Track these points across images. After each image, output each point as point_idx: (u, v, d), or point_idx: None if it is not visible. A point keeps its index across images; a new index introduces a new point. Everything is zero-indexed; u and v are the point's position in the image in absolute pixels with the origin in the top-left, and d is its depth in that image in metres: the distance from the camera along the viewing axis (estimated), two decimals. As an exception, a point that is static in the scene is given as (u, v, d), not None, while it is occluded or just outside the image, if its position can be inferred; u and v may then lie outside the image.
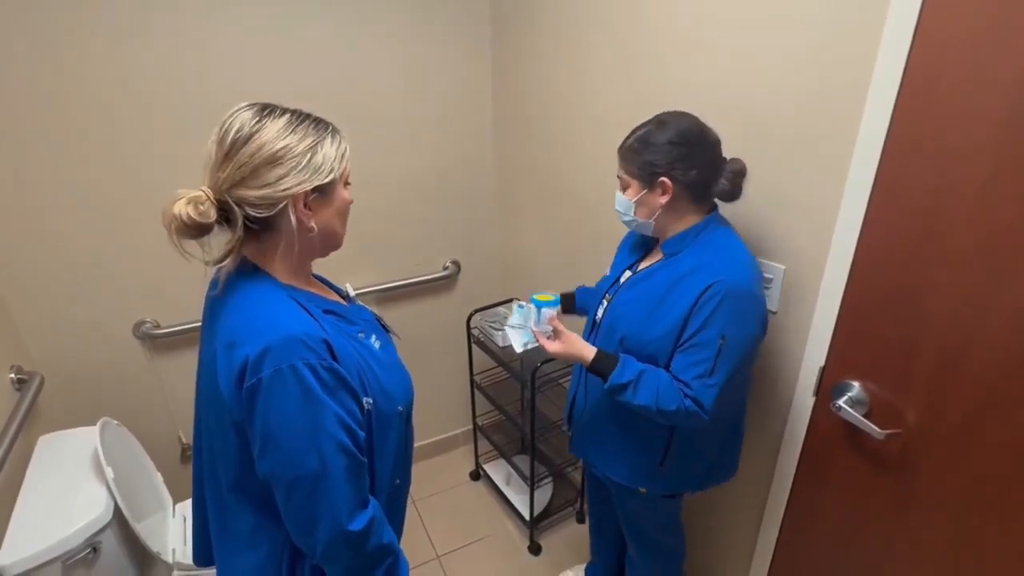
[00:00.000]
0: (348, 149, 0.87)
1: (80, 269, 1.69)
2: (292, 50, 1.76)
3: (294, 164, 0.78)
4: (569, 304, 1.59)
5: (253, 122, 0.77)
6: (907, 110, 0.98)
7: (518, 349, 1.37)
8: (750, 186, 1.25)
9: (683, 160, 1.12)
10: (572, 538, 2.15)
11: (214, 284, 0.88)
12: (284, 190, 0.78)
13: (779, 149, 1.19)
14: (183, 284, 1.69)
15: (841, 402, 1.16)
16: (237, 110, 0.79)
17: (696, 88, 1.34)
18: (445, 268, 2.31)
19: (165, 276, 1.76)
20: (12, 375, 1.53)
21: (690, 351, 1.10)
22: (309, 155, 0.79)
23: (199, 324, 0.91)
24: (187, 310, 1.82)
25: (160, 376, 1.90)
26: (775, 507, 1.43)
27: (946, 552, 1.10)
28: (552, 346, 1.25)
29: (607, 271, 1.38)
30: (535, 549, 2.09)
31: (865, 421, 1.13)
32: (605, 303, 1.29)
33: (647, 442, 1.26)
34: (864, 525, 1.24)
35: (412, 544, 2.12)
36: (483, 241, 2.37)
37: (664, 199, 1.14)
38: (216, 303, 0.85)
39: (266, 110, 0.80)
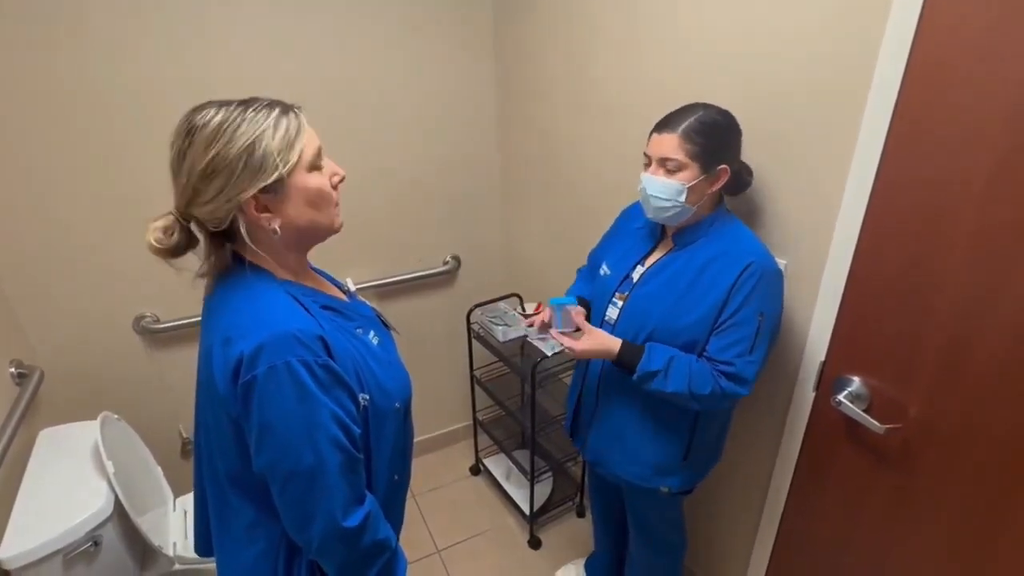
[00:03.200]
0: (303, 129, 0.78)
1: (81, 264, 1.69)
2: (293, 45, 1.75)
3: (228, 173, 0.73)
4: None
5: (184, 135, 0.75)
6: (911, 102, 0.97)
7: (549, 352, 1.30)
8: (753, 180, 1.25)
9: (736, 148, 1.14)
10: (572, 532, 2.15)
11: (208, 288, 0.89)
12: (227, 201, 0.75)
13: (781, 143, 1.19)
14: (184, 279, 1.69)
15: (842, 397, 1.16)
16: (181, 120, 0.76)
17: (700, 79, 1.34)
18: (445, 263, 2.30)
19: (165, 270, 1.72)
20: (12, 369, 1.53)
21: (729, 331, 1.11)
22: (244, 158, 0.73)
23: (199, 319, 0.91)
24: (188, 305, 1.81)
25: (160, 370, 1.90)
26: (775, 500, 1.43)
27: (945, 546, 1.10)
28: (580, 345, 1.19)
29: (606, 271, 1.35)
30: (535, 543, 2.09)
31: (865, 416, 1.13)
32: (619, 302, 1.27)
33: (671, 436, 1.27)
34: (864, 519, 1.24)
35: (412, 539, 2.13)
36: (484, 236, 2.37)
37: (717, 186, 1.14)
38: (214, 299, 0.85)
39: (200, 115, 0.75)
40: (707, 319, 1.13)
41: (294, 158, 0.77)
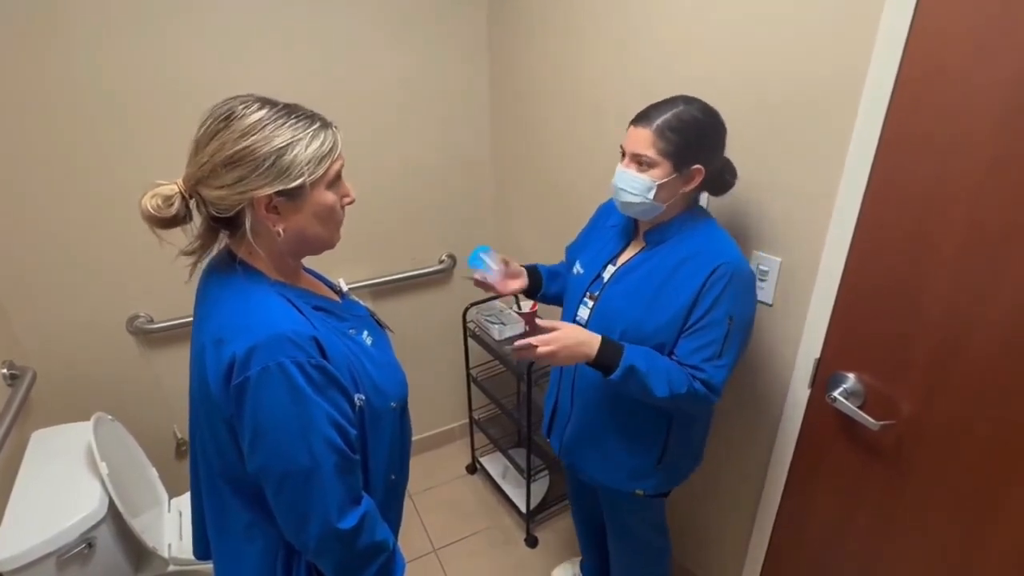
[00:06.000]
0: (337, 148, 0.81)
1: (73, 263, 1.67)
2: (285, 45, 1.74)
3: (253, 167, 0.73)
4: (536, 282, 1.44)
5: (222, 118, 0.75)
6: (904, 102, 0.97)
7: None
8: (746, 178, 1.25)
9: (715, 148, 1.11)
10: (568, 531, 2.15)
11: (200, 279, 0.88)
12: (240, 193, 0.75)
13: (775, 141, 1.19)
14: (177, 278, 1.68)
15: (836, 393, 1.17)
16: (220, 103, 0.77)
17: (692, 80, 1.34)
18: (441, 262, 2.30)
19: (159, 270, 1.74)
20: (4, 370, 1.52)
21: (698, 334, 1.08)
22: (274, 158, 0.74)
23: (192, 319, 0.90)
24: (181, 305, 1.80)
25: (155, 371, 1.89)
26: (771, 496, 1.43)
27: (938, 541, 1.11)
28: (554, 345, 1.05)
29: (579, 269, 1.31)
30: (532, 542, 2.10)
31: (860, 412, 1.13)
32: (590, 302, 1.24)
33: (645, 440, 1.25)
34: (859, 514, 1.24)
35: (409, 538, 2.12)
36: (479, 234, 2.36)
37: (691, 187, 1.10)
38: (205, 299, 0.85)
39: (244, 104, 0.75)
40: (676, 321, 1.10)
41: (320, 172, 0.79)
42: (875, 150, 1.02)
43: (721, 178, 1.16)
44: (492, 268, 1.36)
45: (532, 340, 1.07)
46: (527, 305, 2.06)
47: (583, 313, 1.25)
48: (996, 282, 0.92)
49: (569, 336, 1.08)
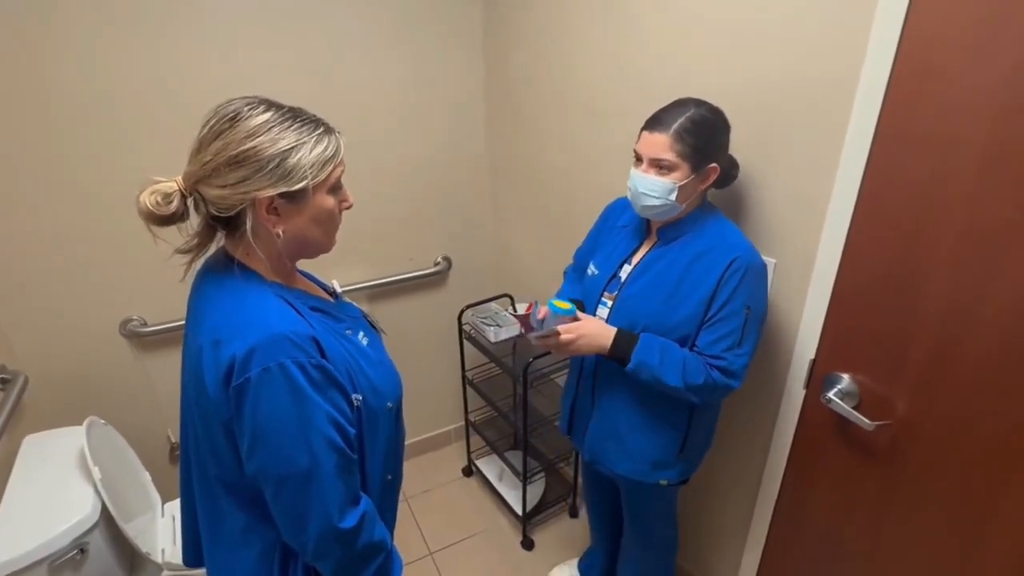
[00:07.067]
0: (339, 153, 0.81)
1: (65, 266, 1.66)
2: (283, 44, 1.74)
3: (256, 168, 0.74)
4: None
5: (227, 118, 0.75)
6: (898, 100, 0.98)
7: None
8: (741, 180, 1.25)
9: (726, 146, 1.15)
10: (565, 533, 2.15)
11: (195, 279, 0.88)
12: (242, 193, 0.75)
13: (770, 141, 1.20)
14: (171, 281, 1.66)
15: (831, 394, 1.17)
16: (225, 103, 0.77)
17: (687, 80, 1.34)
18: (436, 264, 2.30)
19: (152, 273, 1.73)
20: (-5, 374, 1.51)
21: (717, 325, 1.13)
22: (278, 160, 0.74)
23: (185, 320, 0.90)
24: (175, 307, 1.77)
25: (148, 374, 1.88)
26: (766, 497, 1.44)
27: (936, 541, 1.11)
28: (574, 334, 1.17)
29: (593, 271, 1.34)
30: (528, 544, 2.09)
31: (855, 413, 1.14)
32: (608, 302, 1.27)
33: (668, 430, 1.28)
34: (854, 515, 1.25)
35: (405, 541, 2.11)
36: (475, 237, 2.36)
37: (707, 185, 1.15)
38: (201, 299, 0.84)
39: (249, 106, 0.76)
40: (696, 315, 1.15)
41: (323, 176, 0.79)
42: (869, 149, 1.03)
43: (726, 173, 1.20)
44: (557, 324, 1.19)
45: (560, 328, 1.17)
46: (522, 308, 2.06)
47: (602, 313, 1.29)
48: (992, 281, 0.92)
49: (590, 327, 1.19)
